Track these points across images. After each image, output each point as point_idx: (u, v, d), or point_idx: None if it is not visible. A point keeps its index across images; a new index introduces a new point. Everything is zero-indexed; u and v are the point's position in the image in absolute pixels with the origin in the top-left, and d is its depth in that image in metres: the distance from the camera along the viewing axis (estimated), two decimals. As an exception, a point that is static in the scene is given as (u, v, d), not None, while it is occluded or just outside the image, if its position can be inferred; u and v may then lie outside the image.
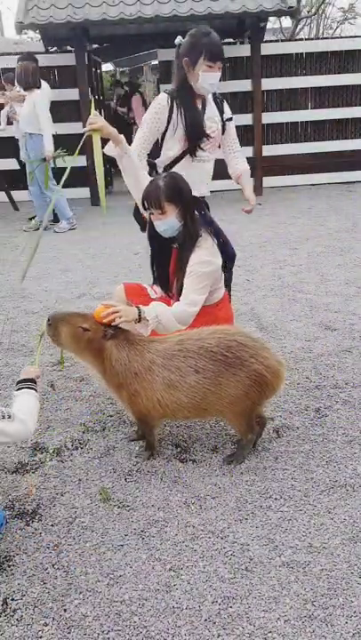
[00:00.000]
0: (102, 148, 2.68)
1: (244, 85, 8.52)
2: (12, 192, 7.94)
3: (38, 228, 6.51)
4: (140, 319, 2.31)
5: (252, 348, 2.19)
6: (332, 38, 10.35)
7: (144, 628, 1.59)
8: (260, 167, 8.31)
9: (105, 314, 2.23)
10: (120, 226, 6.78)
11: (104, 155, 2.68)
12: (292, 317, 3.75)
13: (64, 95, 8.34)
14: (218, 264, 2.50)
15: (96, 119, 2.56)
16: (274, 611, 1.63)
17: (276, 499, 2.08)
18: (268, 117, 8.67)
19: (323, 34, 17.76)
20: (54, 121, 8.02)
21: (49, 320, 2.24)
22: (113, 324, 2.25)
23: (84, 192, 7.98)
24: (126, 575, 1.77)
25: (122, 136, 2.64)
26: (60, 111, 8.40)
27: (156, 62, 10.61)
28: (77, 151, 2.60)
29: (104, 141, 2.60)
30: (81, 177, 7.28)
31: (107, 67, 12.95)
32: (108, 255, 5.54)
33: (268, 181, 8.66)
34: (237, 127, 3.19)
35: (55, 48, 9.49)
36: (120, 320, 2.26)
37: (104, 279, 4.75)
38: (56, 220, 7.13)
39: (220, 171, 3.22)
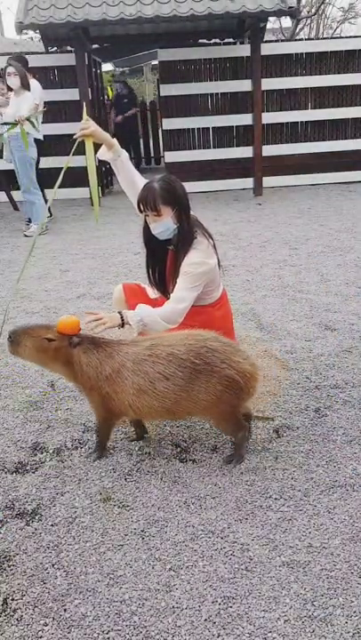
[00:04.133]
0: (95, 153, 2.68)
1: (245, 85, 8.53)
2: (12, 192, 7.95)
3: (40, 233, 6.53)
4: (123, 325, 2.32)
5: (223, 353, 2.16)
6: (332, 38, 10.36)
7: (144, 628, 1.59)
8: (260, 167, 8.32)
9: (89, 320, 2.23)
10: (120, 226, 6.79)
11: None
12: (292, 317, 3.75)
13: (64, 95, 8.36)
14: (211, 265, 2.50)
15: (88, 124, 2.54)
16: (274, 610, 1.63)
17: (276, 499, 2.08)
18: (268, 117, 8.68)
19: (323, 34, 17.79)
20: (54, 121, 8.02)
21: (10, 336, 2.21)
22: (97, 332, 2.25)
23: (84, 192, 7.98)
24: (126, 575, 1.77)
25: (114, 140, 2.64)
26: (60, 111, 8.44)
27: (155, 62, 10.62)
28: (67, 162, 2.58)
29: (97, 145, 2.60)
30: (81, 177, 7.29)
31: (107, 67, 12.95)
32: (108, 255, 5.54)
33: (268, 181, 8.67)
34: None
35: (55, 48, 9.50)
36: (104, 327, 2.26)
37: (104, 279, 4.75)
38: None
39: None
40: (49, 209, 7.18)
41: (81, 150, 2.61)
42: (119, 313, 2.35)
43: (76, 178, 6.59)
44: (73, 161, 2.58)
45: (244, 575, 1.75)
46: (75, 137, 2.58)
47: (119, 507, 2.07)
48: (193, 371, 2.12)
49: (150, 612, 1.64)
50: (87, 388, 2.26)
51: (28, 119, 6.06)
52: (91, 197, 2.99)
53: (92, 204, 2.50)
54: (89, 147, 2.51)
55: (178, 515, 2.01)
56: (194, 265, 2.44)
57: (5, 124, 6.15)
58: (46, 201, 6.67)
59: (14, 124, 6.07)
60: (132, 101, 11.83)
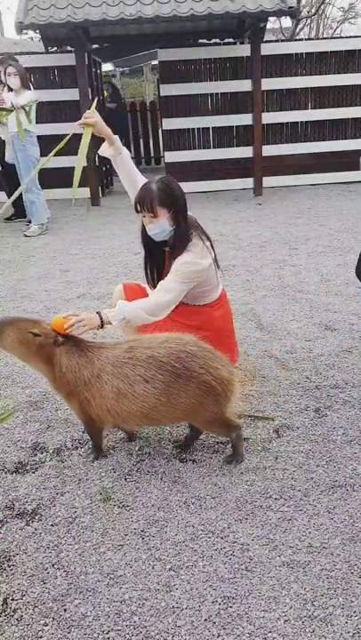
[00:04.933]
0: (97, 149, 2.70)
1: (245, 85, 8.52)
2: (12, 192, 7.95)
3: (41, 234, 6.52)
4: (102, 325, 2.32)
5: (203, 358, 2.15)
6: (332, 38, 10.36)
7: (144, 628, 1.59)
8: (260, 167, 8.32)
9: (68, 325, 2.22)
10: (120, 226, 6.79)
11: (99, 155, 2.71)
12: (292, 317, 3.75)
13: (64, 95, 8.37)
14: (204, 265, 2.49)
15: (92, 115, 2.58)
16: (274, 611, 1.63)
17: (276, 499, 2.08)
18: (268, 117, 8.68)
19: (323, 34, 17.78)
20: (54, 121, 8.00)
21: None
22: (77, 333, 2.24)
23: (84, 192, 7.99)
24: (126, 575, 1.77)
25: (116, 136, 2.66)
26: (60, 111, 8.45)
27: (155, 62, 10.62)
28: (61, 146, 2.64)
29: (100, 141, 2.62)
30: (81, 177, 7.29)
31: (107, 67, 12.94)
32: (108, 255, 5.54)
33: (268, 181, 8.67)
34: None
35: (55, 48, 9.50)
36: (84, 329, 2.26)
37: (104, 279, 4.75)
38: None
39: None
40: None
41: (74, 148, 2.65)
42: (97, 313, 2.34)
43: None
44: (72, 161, 2.62)
45: (244, 575, 1.75)
46: (77, 123, 2.61)
47: (119, 507, 2.07)
48: (172, 374, 2.11)
49: (150, 612, 1.64)
50: (65, 392, 2.25)
51: (22, 107, 6.06)
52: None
53: (73, 187, 2.55)
54: (87, 134, 2.57)
55: (178, 515, 2.01)
56: (185, 264, 2.45)
57: (1, 109, 6.15)
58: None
59: (10, 110, 6.07)
60: (115, 100, 11.85)
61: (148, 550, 1.86)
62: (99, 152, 2.71)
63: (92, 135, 2.61)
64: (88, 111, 2.61)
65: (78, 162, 2.55)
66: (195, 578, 1.75)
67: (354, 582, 1.72)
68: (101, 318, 2.32)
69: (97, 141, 2.73)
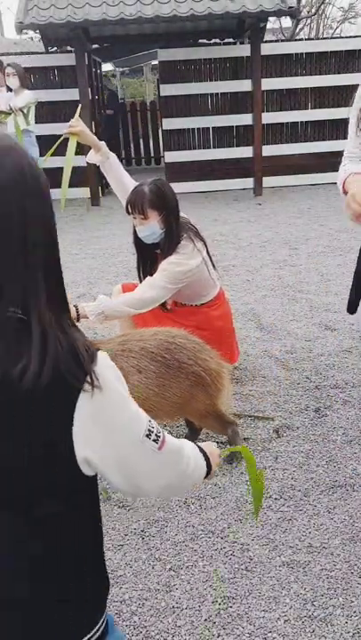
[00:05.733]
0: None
1: (245, 85, 8.52)
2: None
3: None
4: (78, 319, 2.32)
5: (191, 350, 2.17)
6: (332, 38, 10.36)
7: (144, 628, 1.59)
8: (260, 167, 8.32)
9: None
10: (120, 226, 6.78)
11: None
12: (292, 317, 3.75)
13: (64, 95, 8.37)
14: (191, 265, 2.50)
15: (77, 123, 2.59)
16: (274, 610, 1.63)
17: (276, 499, 2.08)
18: (268, 117, 8.67)
19: (323, 34, 17.75)
20: (53, 121, 7.98)
21: None
22: None
23: (84, 192, 7.99)
24: (126, 575, 1.77)
25: (102, 142, 2.66)
26: (60, 111, 8.44)
27: (155, 62, 10.62)
28: (51, 152, 2.66)
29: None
30: (81, 177, 7.28)
31: (107, 67, 12.94)
32: (108, 255, 5.54)
33: (268, 181, 8.66)
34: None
35: (55, 48, 9.49)
36: None
37: (104, 279, 4.75)
38: None
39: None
40: None
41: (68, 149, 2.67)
42: (75, 306, 2.34)
43: (75, 178, 6.58)
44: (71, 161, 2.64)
45: (244, 575, 1.75)
46: (63, 132, 2.62)
47: (119, 507, 2.07)
48: (163, 365, 2.13)
49: (150, 612, 1.64)
50: None
51: (20, 109, 6.06)
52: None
53: (62, 194, 2.56)
54: (72, 143, 2.58)
55: (178, 515, 2.01)
56: (172, 264, 2.47)
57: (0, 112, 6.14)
58: None
59: (8, 113, 6.07)
60: (112, 105, 11.77)
61: (148, 550, 1.86)
62: (87, 159, 2.72)
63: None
64: (72, 120, 2.61)
65: (66, 166, 2.56)
66: (195, 578, 1.75)
67: (354, 582, 1.72)
68: (78, 312, 2.32)
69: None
